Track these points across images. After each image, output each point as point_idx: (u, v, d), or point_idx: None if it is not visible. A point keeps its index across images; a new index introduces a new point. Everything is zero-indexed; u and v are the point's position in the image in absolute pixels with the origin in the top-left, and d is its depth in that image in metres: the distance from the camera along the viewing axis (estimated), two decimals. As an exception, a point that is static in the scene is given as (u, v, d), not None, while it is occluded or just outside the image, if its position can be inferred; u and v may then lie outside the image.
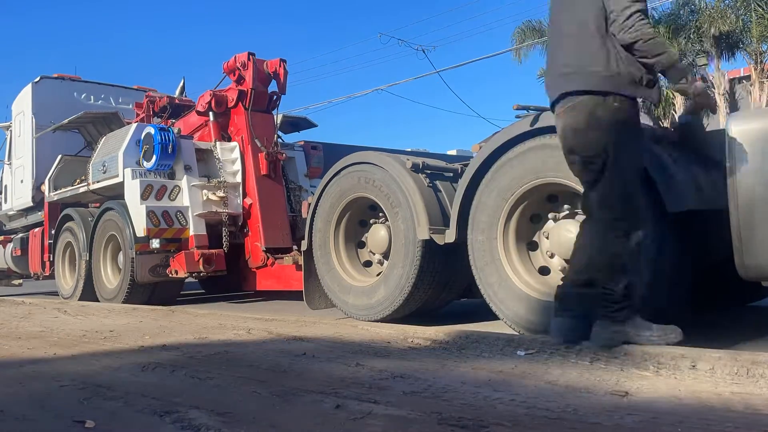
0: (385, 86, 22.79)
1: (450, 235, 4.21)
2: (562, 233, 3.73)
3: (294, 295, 6.16)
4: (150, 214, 6.91)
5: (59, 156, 9.02)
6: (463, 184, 4.17)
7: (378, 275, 4.95)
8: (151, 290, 7.48)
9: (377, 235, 5.03)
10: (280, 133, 8.36)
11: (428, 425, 1.86)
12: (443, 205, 4.55)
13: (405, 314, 4.69)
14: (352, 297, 4.99)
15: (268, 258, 6.99)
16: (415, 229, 4.47)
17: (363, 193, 4.94)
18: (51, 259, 9.13)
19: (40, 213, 9.67)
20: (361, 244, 5.27)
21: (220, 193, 7.22)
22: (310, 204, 5.47)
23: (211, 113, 7.63)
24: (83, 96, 10.05)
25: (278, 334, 3.88)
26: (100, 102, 10.16)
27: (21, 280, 11.34)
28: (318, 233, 5.27)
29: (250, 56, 7.48)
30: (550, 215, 3.89)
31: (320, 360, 3.00)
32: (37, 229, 9.68)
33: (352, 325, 4.13)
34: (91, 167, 8.08)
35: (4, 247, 10.76)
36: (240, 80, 7.57)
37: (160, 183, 7.17)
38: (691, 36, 19.56)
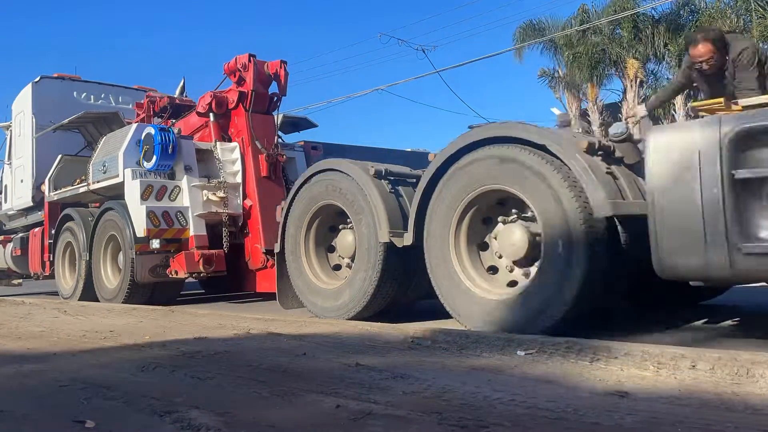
0: (385, 86, 22.74)
1: (408, 238, 4.47)
2: (509, 236, 4.03)
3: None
4: (150, 214, 6.90)
5: (59, 156, 9.02)
6: (418, 190, 4.45)
7: (345, 278, 5.16)
8: (151, 290, 7.47)
9: (345, 240, 5.24)
10: (280, 133, 8.36)
11: (428, 425, 1.86)
12: (404, 210, 4.74)
13: (370, 314, 4.87)
14: (321, 299, 5.21)
15: (268, 260, 6.98)
16: (377, 233, 4.68)
17: (330, 200, 5.19)
18: (51, 259, 9.12)
19: (40, 213, 9.66)
20: (332, 249, 5.48)
21: (221, 194, 7.21)
22: (282, 208, 5.67)
23: (211, 114, 7.62)
24: (83, 96, 10.05)
25: (278, 334, 3.88)
26: (100, 102, 10.16)
27: (21, 280, 11.33)
28: (290, 238, 5.51)
29: (251, 58, 7.48)
30: (499, 218, 4.16)
31: (320, 360, 3.00)
32: (37, 229, 9.68)
33: (352, 325, 4.13)
34: (91, 167, 8.07)
35: (4, 246, 10.76)
36: (240, 81, 7.56)
37: (160, 183, 7.16)
38: (691, 36, 19.55)
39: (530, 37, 21.58)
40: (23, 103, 9.98)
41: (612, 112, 21.27)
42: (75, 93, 10.00)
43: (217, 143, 7.47)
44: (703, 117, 3.45)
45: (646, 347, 2.75)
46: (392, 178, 4.93)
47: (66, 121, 8.75)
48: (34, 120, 9.61)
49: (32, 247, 9.73)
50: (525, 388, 2.29)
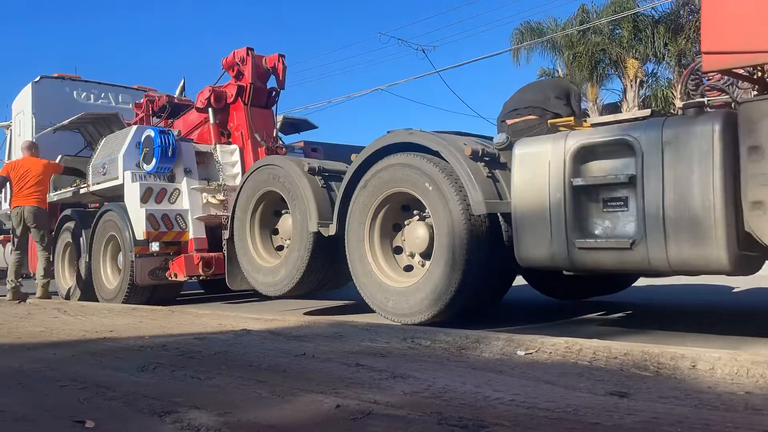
0: (385, 86, 22.75)
1: (332, 229, 5.04)
2: (413, 231, 4.68)
3: (294, 296, 6.18)
4: (150, 217, 6.89)
5: (59, 156, 9.01)
6: (341, 187, 5.02)
7: (283, 257, 5.71)
8: (151, 291, 7.46)
9: (286, 223, 5.80)
10: (280, 134, 8.35)
11: (428, 425, 1.86)
12: (334, 203, 5.17)
13: (303, 291, 5.49)
14: (261, 276, 5.76)
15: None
16: (308, 222, 5.23)
17: (271, 187, 5.71)
18: (51, 259, 9.11)
19: (39, 213, 9.63)
20: (276, 231, 6.02)
21: (220, 196, 7.19)
22: (233, 199, 6.22)
23: (210, 109, 7.62)
24: (83, 95, 10.05)
25: (278, 334, 3.88)
26: (100, 101, 10.15)
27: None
28: (237, 222, 6.04)
29: (249, 51, 7.48)
30: (405, 222, 4.79)
31: (320, 360, 3.00)
32: (37, 230, 9.64)
33: (352, 325, 4.13)
34: (91, 169, 8.06)
35: (4, 246, 10.75)
36: (239, 76, 7.56)
37: (159, 186, 7.15)
38: (691, 36, 19.54)
39: (527, 38, 21.57)
40: (23, 102, 9.98)
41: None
42: (75, 93, 9.99)
43: (217, 145, 7.47)
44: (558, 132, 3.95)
45: (646, 347, 2.75)
46: (326, 174, 5.45)
47: (66, 121, 8.74)
48: (34, 120, 9.60)
49: (32, 247, 9.72)
50: (525, 388, 2.29)
